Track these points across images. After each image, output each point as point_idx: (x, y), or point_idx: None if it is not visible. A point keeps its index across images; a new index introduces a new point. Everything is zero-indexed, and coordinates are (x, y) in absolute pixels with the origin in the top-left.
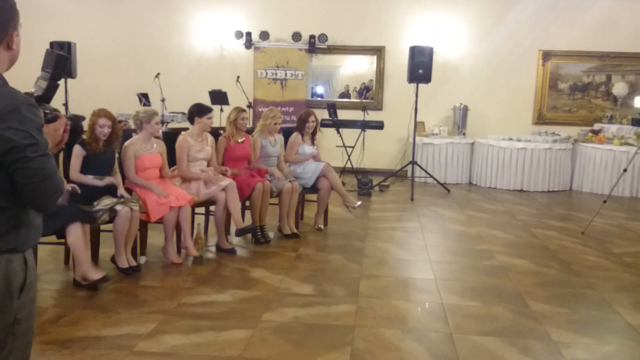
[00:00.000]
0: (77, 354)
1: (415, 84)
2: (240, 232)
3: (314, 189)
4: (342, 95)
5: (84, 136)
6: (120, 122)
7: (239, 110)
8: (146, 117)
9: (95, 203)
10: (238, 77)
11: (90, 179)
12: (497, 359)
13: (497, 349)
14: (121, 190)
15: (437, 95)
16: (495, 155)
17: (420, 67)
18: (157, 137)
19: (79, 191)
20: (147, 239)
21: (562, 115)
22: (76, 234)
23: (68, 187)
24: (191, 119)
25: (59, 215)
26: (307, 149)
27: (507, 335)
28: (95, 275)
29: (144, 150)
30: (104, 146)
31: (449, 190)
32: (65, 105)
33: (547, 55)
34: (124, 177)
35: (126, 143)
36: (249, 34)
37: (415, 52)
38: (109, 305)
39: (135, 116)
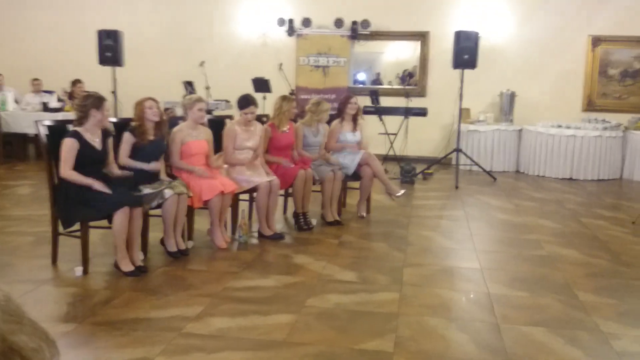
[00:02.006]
0: (127, 335)
1: (461, 70)
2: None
3: (355, 176)
4: (374, 82)
5: (133, 124)
6: (166, 109)
7: (291, 100)
8: (189, 103)
9: (141, 187)
10: (281, 64)
11: (138, 163)
12: (545, 349)
13: (544, 340)
14: (163, 175)
15: (483, 81)
16: (544, 142)
17: (466, 52)
18: (202, 124)
19: (131, 175)
20: (193, 224)
21: (612, 102)
22: (120, 222)
23: (119, 172)
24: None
25: (109, 200)
26: (350, 136)
27: (555, 326)
28: (125, 267)
29: (191, 136)
30: (153, 133)
31: (495, 179)
32: (114, 93)
33: (596, 41)
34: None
35: (174, 129)
36: (291, 21)
37: (460, 37)
38: (158, 288)
39: (182, 103)
